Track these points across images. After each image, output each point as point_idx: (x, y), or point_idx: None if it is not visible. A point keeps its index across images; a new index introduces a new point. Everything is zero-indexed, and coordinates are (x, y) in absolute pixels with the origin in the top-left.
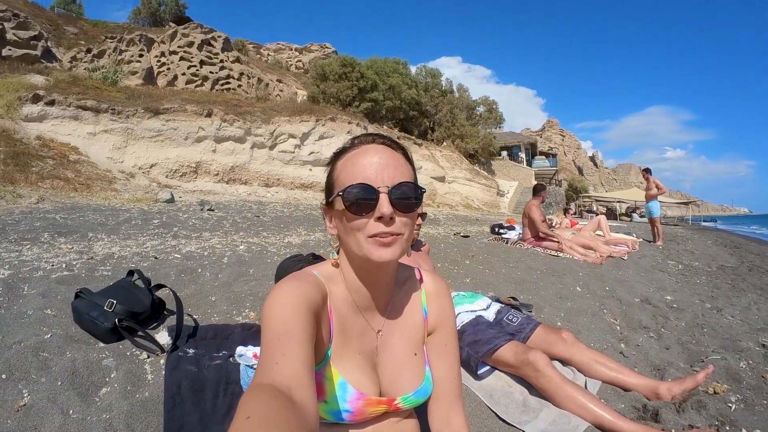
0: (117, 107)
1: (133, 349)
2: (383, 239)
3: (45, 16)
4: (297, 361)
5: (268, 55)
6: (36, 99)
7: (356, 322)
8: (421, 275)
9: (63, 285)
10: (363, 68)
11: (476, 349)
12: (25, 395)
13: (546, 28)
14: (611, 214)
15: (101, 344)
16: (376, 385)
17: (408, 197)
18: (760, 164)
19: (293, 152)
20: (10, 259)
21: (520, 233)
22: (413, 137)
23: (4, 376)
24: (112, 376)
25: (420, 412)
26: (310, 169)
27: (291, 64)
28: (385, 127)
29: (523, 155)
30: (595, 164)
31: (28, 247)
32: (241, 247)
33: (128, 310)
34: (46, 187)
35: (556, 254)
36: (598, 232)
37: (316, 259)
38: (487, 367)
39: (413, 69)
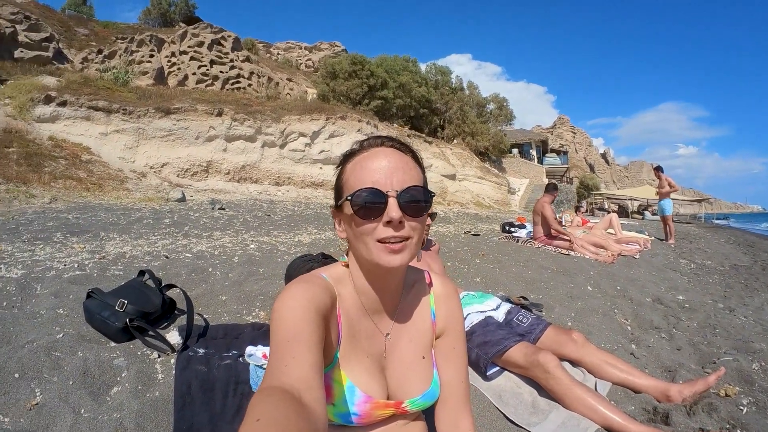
0: (128, 107)
1: (144, 349)
2: (392, 245)
3: (56, 18)
4: (306, 364)
5: (278, 54)
6: (48, 100)
7: (365, 325)
8: (430, 278)
9: (75, 285)
10: (373, 66)
11: (486, 350)
12: (38, 394)
13: (557, 24)
14: (623, 212)
15: (112, 344)
16: (384, 388)
17: (417, 201)
18: None
19: (303, 151)
20: (23, 259)
21: (530, 231)
22: (423, 135)
23: (17, 375)
24: (123, 375)
25: (428, 414)
26: (321, 168)
27: (301, 63)
28: (395, 125)
29: (534, 153)
30: (607, 161)
31: (41, 246)
32: (252, 246)
33: (139, 310)
34: (58, 187)
35: (567, 253)
36: (610, 231)
37: (326, 258)
38: (497, 368)
39: (423, 66)
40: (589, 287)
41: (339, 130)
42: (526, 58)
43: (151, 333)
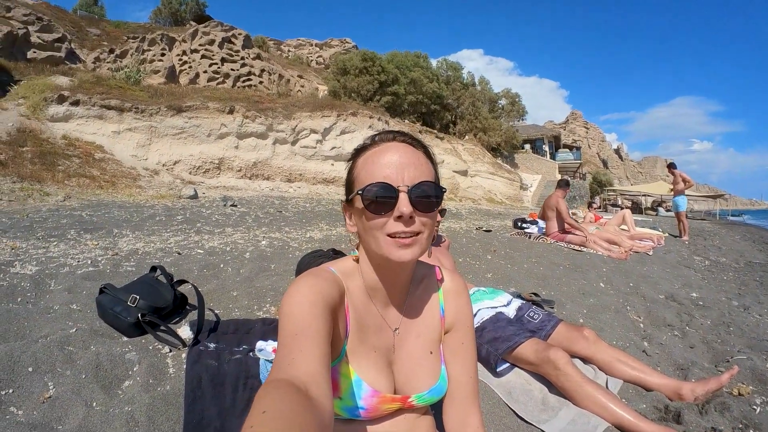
0: (140, 106)
1: (156, 344)
2: (403, 240)
3: (68, 18)
4: (313, 358)
5: (289, 51)
6: (61, 99)
7: (373, 320)
8: (440, 273)
9: (88, 280)
10: (384, 62)
11: (496, 347)
12: (51, 388)
13: (569, 18)
14: (636, 208)
15: (125, 338)
16: (391, 382)
17: (428, 196)
18: None
19: (315, 147)
20: (37, 256)
21: (542, 228)
22: (435, 131)
23: (30, 369)
24: (134, 369)
25: (436, 410)
26: (332, 164)
27: (311, 60)
28: (406, 121)
29: (546, 148)
30: (620, 157)
31: (55, 243)
32: (263, 242)
33: (151, 306)
34: (72, 185)
35: (579, 249)
36: (623, 227)
37: (336, 254)
38: (507, 365)
39: (434, 62)
40: (601, 284)
41: (350, 127)
42: (539, 53)
43: (162, 328)
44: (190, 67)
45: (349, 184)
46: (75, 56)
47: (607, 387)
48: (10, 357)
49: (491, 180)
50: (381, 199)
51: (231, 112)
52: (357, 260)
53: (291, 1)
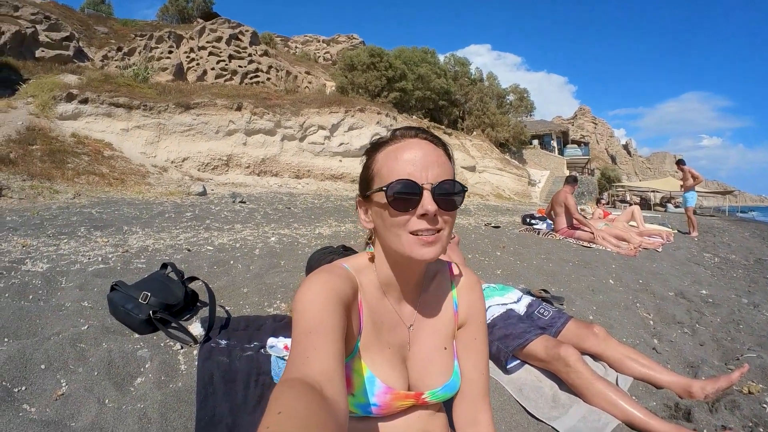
0: (148, 103)
1: (167, 340)
2: (426, 237)
3: (75, 17)
4: (328, 356)
5: (296, 47)
6: (70, 98)
7: (387, 316)
8: (452, 268)
9: (99, 278)
10: (391, 58)
11: (507, 344)
12: (63, 385)
13: (577, 13)
14: (645, 204)
15: (136, 335)
16: (405, 379)
17: (451, 194)
18: None
19: (323, 144)
20: (48, 253)
21: (550, 224)
22: (443, 127)
23: (43, 367)
24: (146, 366)
25: (447, 407)
26: (340, 160)
27: (319, 56)
28: (414, 117)
29: (554, 144)
30: (629, 153)
31: (65, 241)
32: (273, 238)
33: (162, 302)
34: (81, 183)
35: (588, 245)
36: (632, 223)
37: (346, 251)
38: (517, 361)
39: (442, 58)
40: (610, 280)
41: (358, 123)
42: (547, 48)
43: (173, 325)
44: (198, 64)
45: (368, 179)
46: (83, 54)
47: (617, 384)
48: (23, 354)
49: (499, 176)
50: (406, 197)
51: (239, 108)
52: (372, 257)
53: None
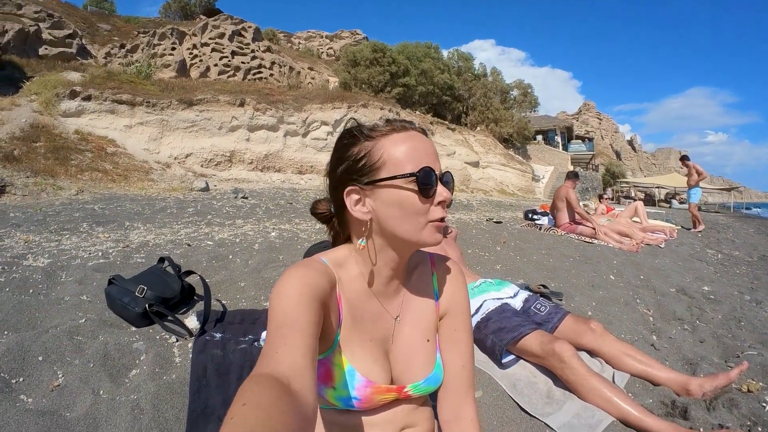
0: (152, 100)
1: (163, 333)
2: (441, 224)
3: (78, 14)
4: (297, 351)
5: (299, 43)
6: (73, 95)
7: (370, 309)
8: (432, 259)
9: (99, 272)
10: (394, 53)
11: (501, 337)
12: (60, 376)
13: (582, 7)
14: (650, 200)
15: (133, 328)
16: (387, 372)
17: (450, 183)
18: None
19: (326, 139)
20: (50, 249)
21: (552, 219)
22: (446, 122)
23: (40, 358)
24: (141, 358)
25: (435, 400)
26: None
27: (322, 52)
28: (417, 112)
29: (559, 139)
30: (634, 148)
31: (67, 236)
32: (273, 233)
33: (158, 296)
34: (85, 179)
35: (590, 241)
36: (635, 219)
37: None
38: (512, 356)
39: (445, 53)
40: (611, 276)
41: (361, 118)
42: (552, 44)
43: (169, 318)
44: (201, 60)
45: (370, 165)
46: (86, 52)
47: (613, 381)
48: (21, 347)
49: (503, 171)
50: (428, 185)
51: (242, 104)
52: (354, 250)
53: None
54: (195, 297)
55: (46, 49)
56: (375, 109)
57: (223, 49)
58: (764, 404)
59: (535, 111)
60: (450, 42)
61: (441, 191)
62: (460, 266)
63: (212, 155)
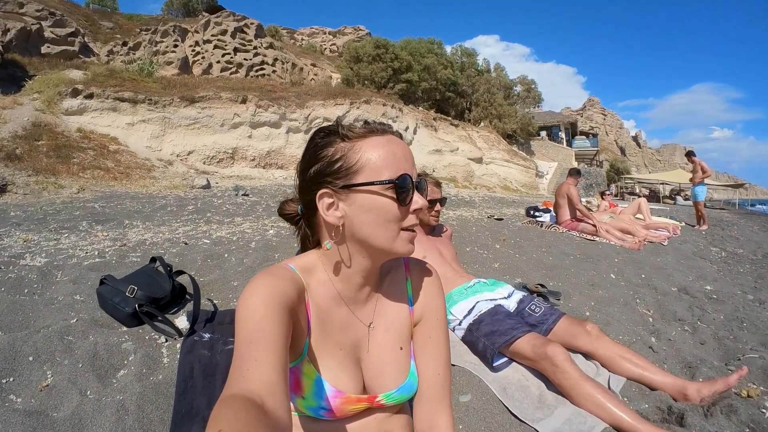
0: (154, 97)
1: (153, 334)
2: (413, 234)
3: (81, 12)
4: (268, 368)
5: (302, 39)
6: (75, 93)
7: (339, 317)
8: (406, 263)
9: (94, 272)
10: (397, 49)
11: (493, 340)
12: (49, 376)
13: (588, 2)
14: (654, 197)
15: (123, 328)
16: (358, 381)
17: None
18: None
19: None
20: (47, 248)
21: (554, 216)
22: (449, 118)
23: (31, 359)
24: (130, 359)
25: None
26: None
27: (325, 48)
28: (420, 108)
29: (563, 135)
30: (638, 144)
31: (66, 235)
32: (271, 231)
33: (148, 296)
34: (86, 177)
35: (592, 239)
36: (638, 216)
37: None
38: (504, 359)
39: (448, 49)
40: (612, 275)
41: (364, 115)
42: (556, 39)
43: (159, 318)
44: (203, 57)
45: (346, 169)
46: (88, 50)
47: (609, 385)
48: (12, 347)
49: (506, 167)
50: (406, 192)
51: (244, 101)
52: (321, 255)
53: None
54: (187, 296)
55: (48, 47)
56: (377, 106)
57: (226, 45)
58: (764, 410)
59: (539, 107)
60: (453, 38)
61: (417, 199)
62: (436, 270)
63: (214, 152)
